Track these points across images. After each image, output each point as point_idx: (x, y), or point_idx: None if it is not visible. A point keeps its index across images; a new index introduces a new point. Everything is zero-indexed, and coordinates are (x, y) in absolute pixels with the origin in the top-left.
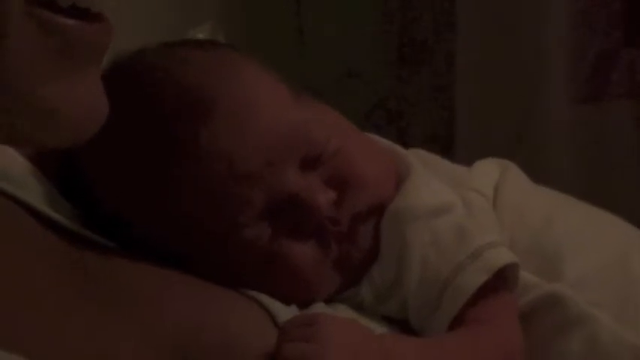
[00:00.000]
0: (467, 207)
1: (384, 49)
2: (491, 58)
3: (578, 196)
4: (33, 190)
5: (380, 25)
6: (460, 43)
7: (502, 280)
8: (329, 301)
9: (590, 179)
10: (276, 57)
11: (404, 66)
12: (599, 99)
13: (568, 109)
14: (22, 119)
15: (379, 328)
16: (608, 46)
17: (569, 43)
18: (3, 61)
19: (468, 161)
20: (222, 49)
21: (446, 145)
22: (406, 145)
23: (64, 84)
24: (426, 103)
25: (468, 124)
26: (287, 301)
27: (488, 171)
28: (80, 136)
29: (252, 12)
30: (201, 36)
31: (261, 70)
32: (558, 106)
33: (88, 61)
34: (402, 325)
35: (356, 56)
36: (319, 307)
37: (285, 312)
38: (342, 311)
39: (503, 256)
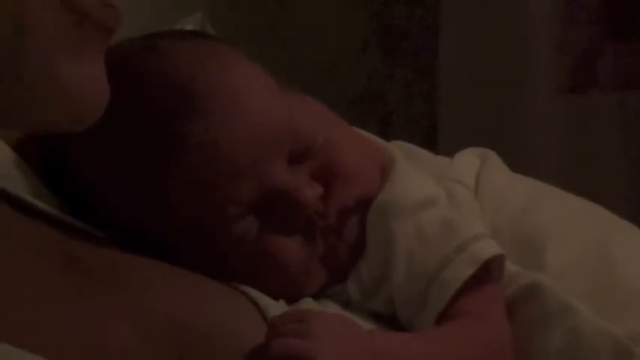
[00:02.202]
0: (450, 199)
1: (364, 41)
2: (475, 49)
3: (559, 185)
4: (18, 181)
5: (360, 16)
6: (443, 34)
7: (488, 272)
8: (316, 297)
9: (572, 169)
10: (263, 48)
11: (386, 57)
12: (584, 90)
13: (551, 99)
14: (35, 97)
15: (367, 325)
16: (594, 38)
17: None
18: (27, 34)
19: (451, 153)
20: (209, 41)
21: (429, 137)
22: (388, 137)
23: (78, 62)
24: (408, 95)
25: (450, 115)
26: (275, 296)
27: (469, 161)
28: (88, 117)
29: (241, 3)
30: (190, 26)
31: (248, 63)
32: (541, 97)
33: (101, 44)
34: (390, 320)
35: (335, 48)
36: (308, 303)
37: (274, 307)
38: (330, 307)
39: (489, 248)
